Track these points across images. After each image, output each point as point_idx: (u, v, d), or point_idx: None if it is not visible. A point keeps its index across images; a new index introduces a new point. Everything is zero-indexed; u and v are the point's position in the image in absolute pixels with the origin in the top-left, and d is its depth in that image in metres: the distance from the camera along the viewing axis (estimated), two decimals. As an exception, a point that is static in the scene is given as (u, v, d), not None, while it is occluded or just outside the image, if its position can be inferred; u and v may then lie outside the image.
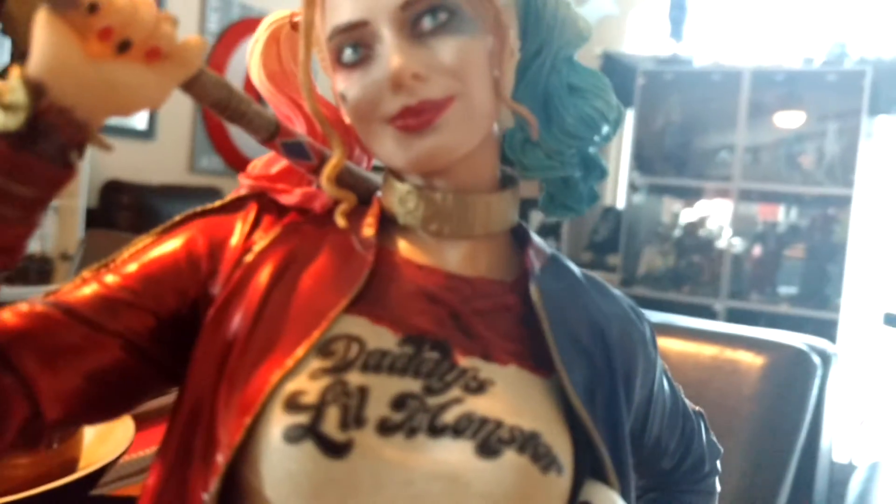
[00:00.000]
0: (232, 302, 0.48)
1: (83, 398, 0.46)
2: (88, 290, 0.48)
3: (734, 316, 3.78)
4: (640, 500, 0.55)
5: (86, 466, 1.02)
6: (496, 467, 0.44)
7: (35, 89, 0.40)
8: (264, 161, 0.56)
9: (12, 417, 0.43)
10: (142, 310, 0.48)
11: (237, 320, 0.47)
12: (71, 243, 3.08)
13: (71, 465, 0.99)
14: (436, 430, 0.45)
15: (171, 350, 0.49)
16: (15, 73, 0.40)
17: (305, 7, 0.49)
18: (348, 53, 0.48)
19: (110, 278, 0.49)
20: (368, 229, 0.51)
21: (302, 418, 0.43)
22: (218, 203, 0.53)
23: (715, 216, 3.95)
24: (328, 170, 0.50)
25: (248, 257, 0.49)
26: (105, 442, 1.02)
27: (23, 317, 0.45)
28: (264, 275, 0.48)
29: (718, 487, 0.65)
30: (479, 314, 0.50)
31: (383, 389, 0.45)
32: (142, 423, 1.04)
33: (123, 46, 0.42)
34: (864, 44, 3.52)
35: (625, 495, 0.49)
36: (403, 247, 0.51)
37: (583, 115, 0.52)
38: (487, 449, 0.44)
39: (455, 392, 0.46)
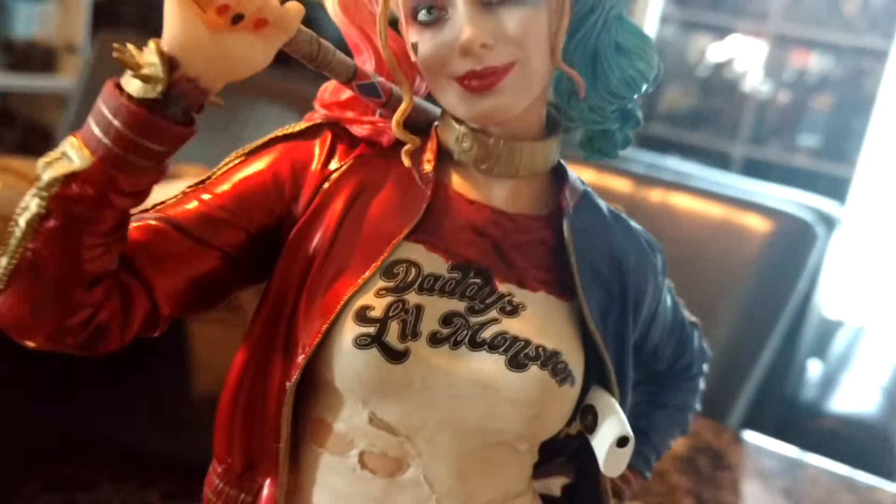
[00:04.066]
0: (312, 224, 0.56)
1: (186, 297, 0.55)
2: (191, 206, 0.56)
3: (749, 166, 3.75)
4: (634, 390, 0.65)
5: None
6: (522, 378, 0.53)
7: (170, 63, 0.47)
8: (334, 86, 0.61)
9: (137, 310, 0.53)
10: (236, 227, 0.56)
11: (316, 240, 0.55)
12: (76, 35, 2.99)
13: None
14: (475, 344, 0.53)
15: (257, 259, 0.57)
16: (152, 49, 0.47)
17: None
18: (423, 14, 0.53)
19: (207, 196, 0.56)
20: (428, 165, 0.57)
21: (370, 329, 0.52)
22: (297, 128, 0.59)
23: (743, 57, 3.83)
24: (398, 115, 0.56)
25: (326, 185, 0.57)
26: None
27: (143, 231, 0.53)
28: (339, 202, 0.56)
29: (702, 386, 0.73)
30: (517, 246, 0.57)
31: (435, 308, 0.53)
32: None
33: (237, 19, 0.48)
34: None
35: (622, 403, 0.58)
36: (456, 181, 0.58)
37: (626, 77, 0.56)
38: (516, 363, 0.53)
39: (493, 313, 0.54)
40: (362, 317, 0.52)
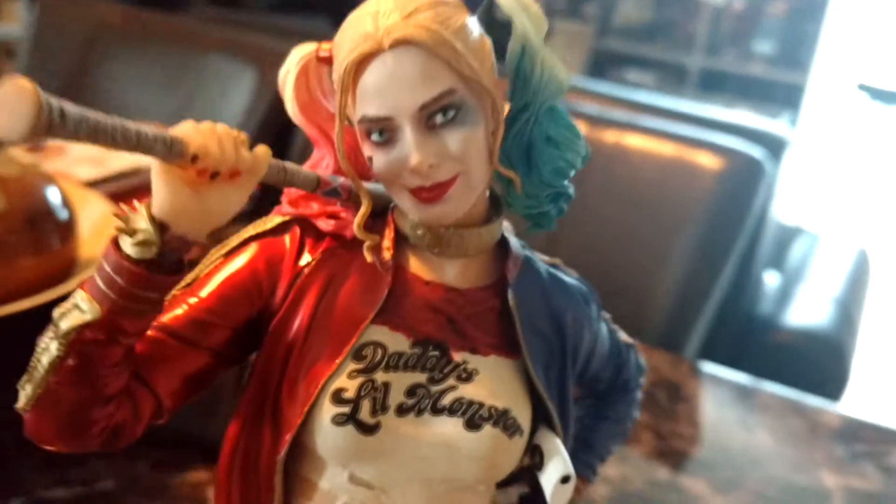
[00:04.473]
0: (289, 317, 0.63)
1: (184, 391, 0.63)
2: (180, 311, 0.62)
3: (706, 77, 3.78)
4: (577, 403, 0.73)
5: (86, 264, 1.09)
6: (478, 437, 0.61)
7: (161, 227, 0.54)
8: None
9: (145, 409, 0.60)
10: (222, 327, 0.63)
11: (294, 331, 0.63)
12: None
13: (71, 265, 1.07)
14: (436, 411, 0.61)
15: (242, 348, 0.65)
16: (144, 215, 0.54)
17: (340, 93, 0.59)
18: (375, 136, 0.59)
19: (193, 300, 0.63)
20: (387, 253, 0.64)
21: (344, 409, 0.59)
22: (269, 225, 0.66)
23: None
24: (358, 219, 0.63)
25: (298, 281, 0.63)
26: (102, 237, 1.09)
27: (146, 342, 0.61)
28: (311, 296, 0.63)
29: (640, 396, 0.82)
30: (469, 318, 0.64)
31: (400, 383, 0.61)
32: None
33: (214, 176, 0.55)
34: None
35: (565, 440, 0.67)
36: (413, 263, 0.65)
37: (556, 167, 0.63)
38: (472, 424, 0.61)
39: (450, 381, 0.62)
40: (338, 398, 0.60)
